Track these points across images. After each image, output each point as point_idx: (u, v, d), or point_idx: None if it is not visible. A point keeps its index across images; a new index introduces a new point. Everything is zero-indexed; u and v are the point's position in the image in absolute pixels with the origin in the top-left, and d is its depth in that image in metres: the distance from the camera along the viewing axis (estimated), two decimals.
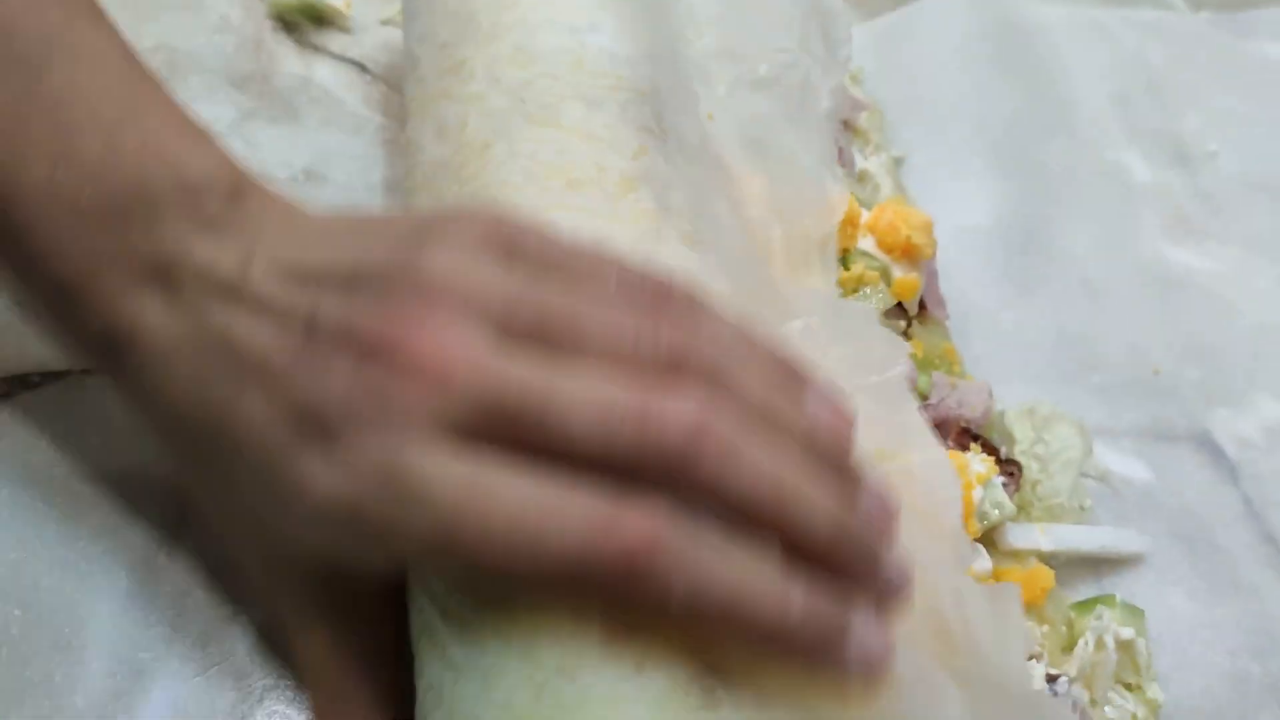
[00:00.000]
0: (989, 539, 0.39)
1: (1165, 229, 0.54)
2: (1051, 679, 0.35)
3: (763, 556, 0.26)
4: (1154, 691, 0.38)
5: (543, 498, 0.25)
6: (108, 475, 0.37)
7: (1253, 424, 0.48)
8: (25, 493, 0.36)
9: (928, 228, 0.44)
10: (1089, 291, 0.51)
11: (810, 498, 0.26)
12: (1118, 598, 0.39)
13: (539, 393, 0.26)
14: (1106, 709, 0.37)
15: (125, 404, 0.32)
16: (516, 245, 0.28)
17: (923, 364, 0.43)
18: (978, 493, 0.38)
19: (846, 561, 0.27)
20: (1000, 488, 0.39)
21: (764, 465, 0.26)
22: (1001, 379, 0.47)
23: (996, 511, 0.38)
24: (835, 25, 0.44)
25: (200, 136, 0.32)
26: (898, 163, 0.54)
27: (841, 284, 0.42)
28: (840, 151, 0.50)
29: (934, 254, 0.45)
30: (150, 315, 0.29)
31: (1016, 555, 0.39)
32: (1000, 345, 0.49)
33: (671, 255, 0.32)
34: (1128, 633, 0.38)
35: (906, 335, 0.44)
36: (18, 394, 0.38)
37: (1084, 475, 0.42)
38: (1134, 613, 0.39)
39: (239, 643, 0.35)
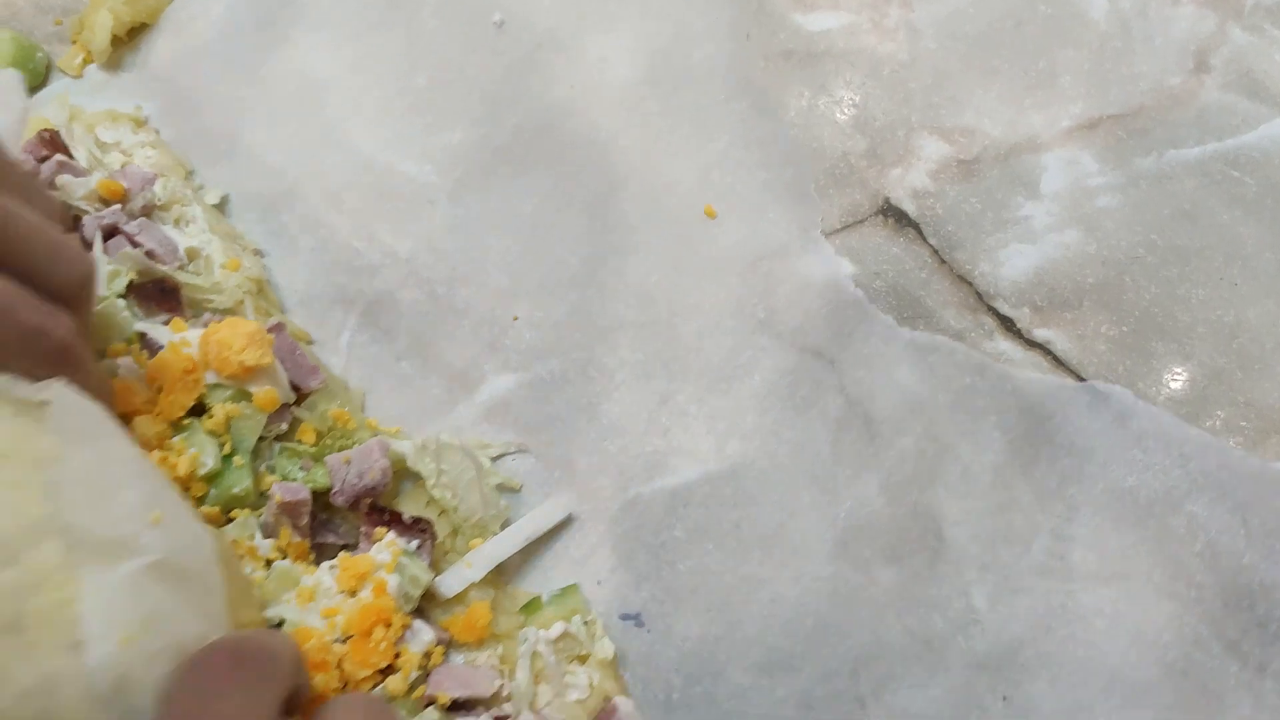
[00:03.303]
0: (427, 599, 0.43)
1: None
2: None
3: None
4: (603, 649, 0.44)
5: None
6: None
7: (920, 172, 0.51)
8: None
9: (256, 337, 0.44)
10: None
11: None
12: (542, 597, 0.44)
13: None
14: (570, 694, 0.43)
15: None
16: None
17: (316, 454, 0.45)
18: (392, 583, 0.42)
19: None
20: (415, 560, 0.42)
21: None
22: None
23: (415, 589, 0.42)
24: None
25: None
26: (222, 209, 0.52)
27: (214, 432, 0.43)
28: (151, 253, 0.48)
29: (272, 360, 0.45)
30: None
31: (459, 598, 0.44)
32: None
33: None
34: (557, 628, 0.43)
35: (294, 423, 0.46)
36: None
37: (497, 486, 0.46)
38: (564, 597, 0.44)
39: None
